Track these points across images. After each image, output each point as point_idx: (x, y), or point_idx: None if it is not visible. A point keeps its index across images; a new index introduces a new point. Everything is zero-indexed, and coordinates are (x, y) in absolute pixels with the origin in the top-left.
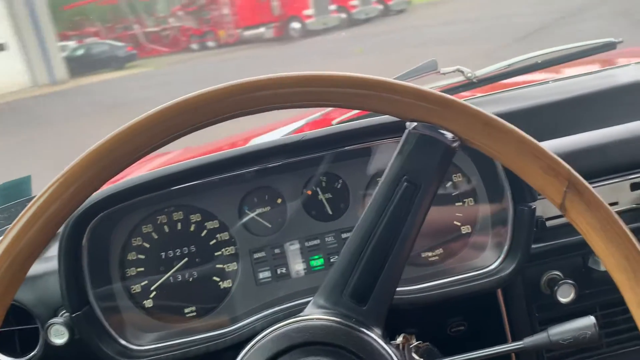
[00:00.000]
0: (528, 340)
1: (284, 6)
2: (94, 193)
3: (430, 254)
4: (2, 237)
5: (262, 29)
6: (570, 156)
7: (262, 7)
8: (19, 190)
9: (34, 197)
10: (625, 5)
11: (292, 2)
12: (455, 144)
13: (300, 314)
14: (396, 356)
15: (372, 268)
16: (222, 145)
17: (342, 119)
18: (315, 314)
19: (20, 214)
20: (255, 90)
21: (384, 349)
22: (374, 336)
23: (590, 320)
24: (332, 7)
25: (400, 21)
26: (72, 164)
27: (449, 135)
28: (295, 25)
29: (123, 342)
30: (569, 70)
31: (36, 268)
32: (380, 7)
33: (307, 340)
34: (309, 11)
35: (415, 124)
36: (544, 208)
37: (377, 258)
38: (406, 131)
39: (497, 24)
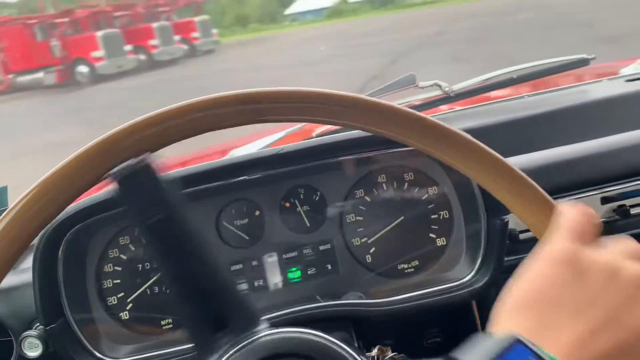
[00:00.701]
0: None
1: (68, 47)
2: (71, 205)
3: (405, 265)
4: None
5: (40, 74)
6: (542, 170)
7: (39, 48)
8: None
9: (6, 209)
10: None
11: (78, 42)
12: (142, 163)
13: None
14: None
15: (207, 298)
16: (200, 156)
17: (321, 132)
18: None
19: None
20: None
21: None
22: (349, 349)
23: None
24: (128, 47)
25: (208, 63)
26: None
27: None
28: (83, 69)
29: (98, 354)
30: (543, 86)
31: (10, 280)
32: (185, 47)
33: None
34: (98, 53)
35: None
36: (517, 221)
37: (199, 291)
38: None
39: (309, 72)
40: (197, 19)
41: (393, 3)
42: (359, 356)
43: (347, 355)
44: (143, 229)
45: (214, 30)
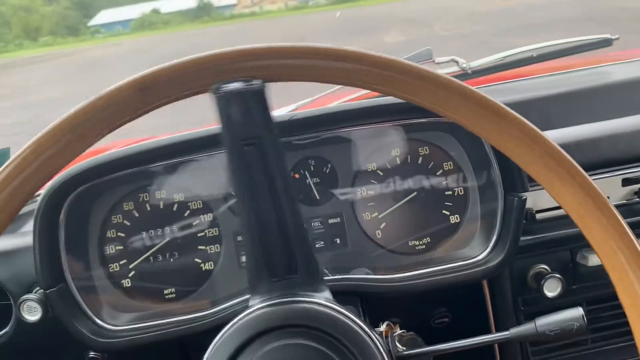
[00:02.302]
0: (514, 331)
1: None
2: (75, 165)
3: (417, 242)
4: None
5: None
6: (562, 148)
7: None
8: None
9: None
10: None
11: None
12: (257, 84)
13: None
14: (379, 342)
15: (279, 241)
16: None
17: (345, 101)
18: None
19: None
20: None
21: (367, 333)
22: (360, 322)
23: (578, 311)
24: None
25: None
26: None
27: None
28: None
29: (98, 321)
30: (564, 65)
31: (11, 243)
32: None
33: (282, 324)
34: None
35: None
36: (535, 200)
37: (273, 230)
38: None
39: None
40: None
41: (209, 15)
42: (370, 330)
43: (357, 328)
44: (235, 152)
45: None
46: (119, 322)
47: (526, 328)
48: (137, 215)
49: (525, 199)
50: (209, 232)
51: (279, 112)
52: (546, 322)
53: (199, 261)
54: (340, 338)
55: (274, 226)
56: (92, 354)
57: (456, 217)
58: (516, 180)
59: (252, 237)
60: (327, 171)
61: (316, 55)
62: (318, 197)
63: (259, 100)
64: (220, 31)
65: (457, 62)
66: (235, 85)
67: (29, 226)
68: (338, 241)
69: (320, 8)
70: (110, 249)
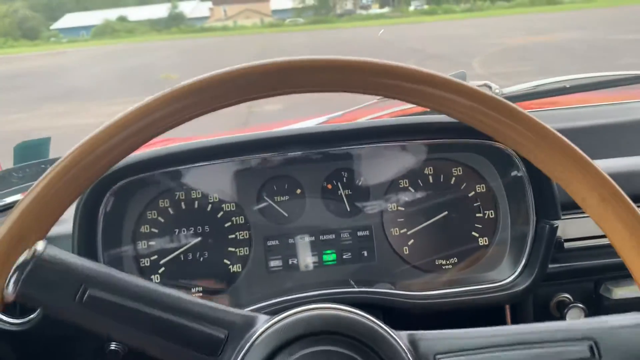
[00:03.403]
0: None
1: None
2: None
3: (444, 261)
4: (28, 192)
5: None
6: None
7: None
8: (37, 151)
9: (52, 159)
10: None
11: None
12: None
13: (393, 331)
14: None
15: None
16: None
17: (375, 117)
18: (401, 340)
19: (48, 170)
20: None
21: (399, 344)
22: (391, 332)
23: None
24: None
25: None
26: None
27: None
28: None
29: None
30: (596, 98)
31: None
32: None
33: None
34: None
35: None
36: (564, 229)
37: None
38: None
39: None
40: None
41: (178, 26)
42: (401, 342)
43: (390, 338)
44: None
45: None
46: None
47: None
48: (171, 212)
49: (557, 227)
50: (239, 234)
51: (309, 122)
52: None
53: (228, 262)
54: (373, 346)
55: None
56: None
57: (485, 239)
58: (549, 207)
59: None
60: (360, 184)
61: (392, 74)
62: (348, 209)
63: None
64: (187, 45)
65: (490, 87)
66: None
67: (66, 214)
68: (365, 254)
69: (298, 27)
70: (143, 244)
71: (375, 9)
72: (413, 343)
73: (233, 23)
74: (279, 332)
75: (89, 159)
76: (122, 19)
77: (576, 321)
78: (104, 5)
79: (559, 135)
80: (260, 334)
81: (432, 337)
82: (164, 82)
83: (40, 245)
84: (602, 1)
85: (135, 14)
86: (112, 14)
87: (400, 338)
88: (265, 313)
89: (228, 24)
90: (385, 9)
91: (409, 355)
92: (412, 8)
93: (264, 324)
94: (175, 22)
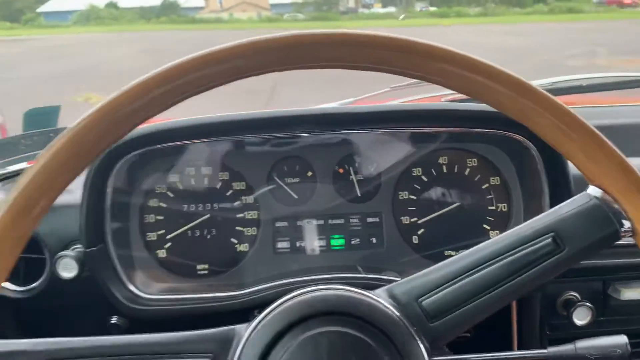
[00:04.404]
0: (552, 350)
1: None
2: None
3: (453, 252)
4: (35, 160)
5: None
6: None
7: None
8: (47, 118)
9: (60, 128)
10: None
11: None
12: (625, 235)
13: (370, 291)
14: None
15: (466, 295)
16: None
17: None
18: (382, 299)
19: (57, 138)
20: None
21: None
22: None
23: (622, 339)
24: None
25: None
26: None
27: (626, 224)
28: None
29: (132, 287)
30: (612, 99)
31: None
32: None
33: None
34: None
35: (600, 192)
36: None
37: (477, 289)
38: (585, 193)
39: None
40: None
41: (168, 15)
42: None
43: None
44: None
45: None
46: (151, 291)
47: (565, 348)
48: (180, 188)
49: None
50: (248, 214)
51: (327, 105)
52: (587, 345)
53: (235, 242)
54: (385, 330)
55: (480, 286)
56: (114, 319)
57: (496, 232)
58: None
59: (458, 266)
60: (372, 170)
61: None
62: (359, 194)
63: (608, 238)
64: (164, 40)
65: None
66: (611, 212)
67: (73, 185)
68: (374, 240)
69: (297, 24)
70: (150, 218)
71: (378, 8)
72: (393, 297)
73: (229, 15)
74: (285, 312)
75: (100, 127)
76: (111, 4)
77: (536, 218)
78: None
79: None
80: (268, 313)
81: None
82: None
83: None
84: (629, 13)
85: (127, 1)
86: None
87: (379, 296)
88: (269, 294)
89: (223, 16)
90: (390, 9)
91: (393, 310)
92: (417, 9)
93: (248, 326)
94: (167, 11)
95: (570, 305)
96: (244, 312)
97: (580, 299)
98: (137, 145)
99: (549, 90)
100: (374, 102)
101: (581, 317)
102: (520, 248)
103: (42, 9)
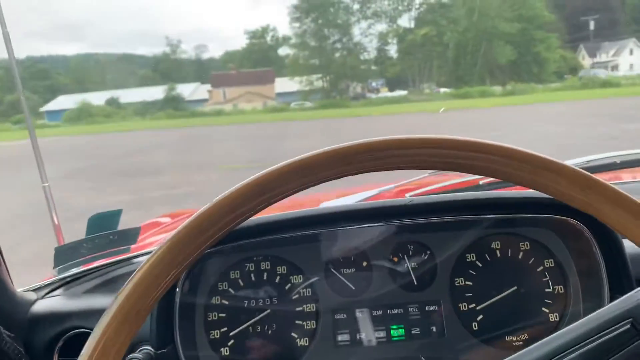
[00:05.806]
0: None
1: None
2: None
3: (514, 338)
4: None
5: None
6: None
7: None
8: (109, 222)
9: (119, 230)
10: None
11: None
12: None
13: None
14: None
15: None
16: (291, 204)
17: (417, 193)
18: None
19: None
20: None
21: None
22: None
23: None
24: None
25: None
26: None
27: None
28: None
29: None
30: None
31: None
32: None
33: None
34: None
35: None
36: None
37: None
38: None
39: None
40: None
41: (165, 111)
42: None
43: None
44: None
45: None
46: None
47: None
48: (241, 284)
49: None
50: (307, 307)
51: (362, 195)
52: None
53: (295, 336)
54: None
55: None
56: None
57: (555, 315)
58: (624, 281)
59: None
60: (426, 257)
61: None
62: (416, 283)
63: None
64: (142, 142)
65: None
66: None
67: None
68: (434, 329)
69: (304, 113)
70: (213, 316)
71: (386, 92)
72: None
73: (233, 106)
74: None
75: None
76: (111, 101)
77: (611, 304)
78: (102, 87)
79: None
80: None
81: None
82: None
83: None
84: None
85: (131, 95)
86: (105, 96)
87: None
88: None
89: (225, 108)
90: (399, 92)
91: None
92: (426, 91)
93: None
94: (171, 104)
95: None
96: None
97: None
98: None
99: (585, 169)
100: (414, 187)
101: None
102: (599, 335)
103: (46, 108)
